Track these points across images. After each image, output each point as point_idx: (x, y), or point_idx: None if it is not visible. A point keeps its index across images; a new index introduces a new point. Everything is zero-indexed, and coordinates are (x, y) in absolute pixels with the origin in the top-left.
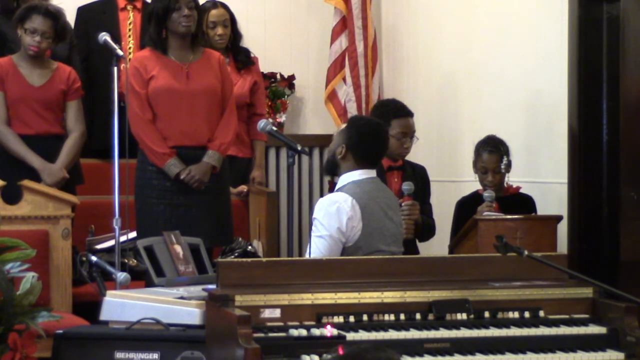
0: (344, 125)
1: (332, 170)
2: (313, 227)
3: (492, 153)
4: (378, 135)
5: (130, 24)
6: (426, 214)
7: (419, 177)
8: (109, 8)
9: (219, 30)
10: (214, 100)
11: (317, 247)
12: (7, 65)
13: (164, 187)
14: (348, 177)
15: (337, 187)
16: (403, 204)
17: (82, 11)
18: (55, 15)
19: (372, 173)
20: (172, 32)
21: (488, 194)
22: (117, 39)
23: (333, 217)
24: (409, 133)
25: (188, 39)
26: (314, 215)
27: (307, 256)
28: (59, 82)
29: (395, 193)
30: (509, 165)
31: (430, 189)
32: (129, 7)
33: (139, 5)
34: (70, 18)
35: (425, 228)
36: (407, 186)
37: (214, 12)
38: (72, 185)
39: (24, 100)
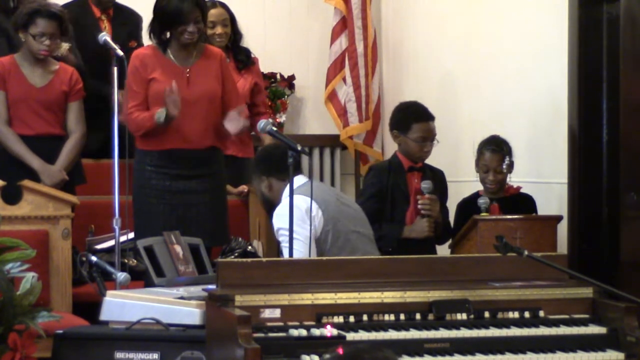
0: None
1: (271, 208)
2: (281, 239)
3: (494, 152)
4: (280, 147)
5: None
6: (443, 217)
7: (437, 180)
8: (88, 16)
9: (218, 30)
10: (213, 104)
11: (295, 249)
12: (9, 65)
13: (162, 187)
14: (286, 192)
15: (282, 203)
16: (420, 200)
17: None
18: (60, 16)
19: (303, 179)
20: (175, 38)
21: (483, 201)
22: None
23: (295, 217)
24: (429, 137)
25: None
26: (277, 226)
27: None
28: (61, 83)
29: (414, 192)
30: (511, 166)
31: (447, 192)
32: (103, 16)
33: (111, 13)
34: None
35: (445, 228)
36: (426, 185)
37: (213, 11)
38: (72, 185)
39: (25, 101)
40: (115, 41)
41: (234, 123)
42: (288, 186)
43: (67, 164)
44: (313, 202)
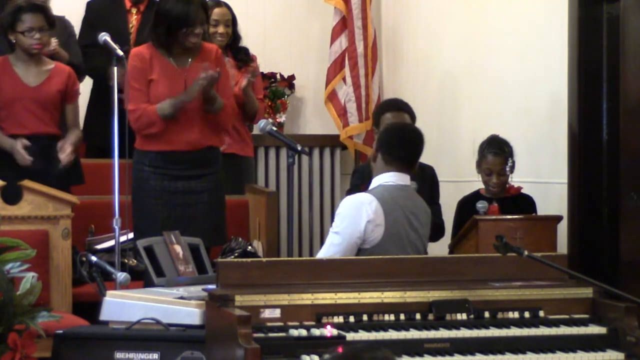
0: None
1: (369, 177)
2: (333, 223)
3: (497, 155)
4: (406, 135)
5: (132, 27)
6: (435, 214)
7: (427, 177)
8: (118, 8)
9: (220, 29)
10: None
11: (332, 242)
12: (2, 65)
13: (161, 187)
14: (379, 179)
15: (369, 188)
16: None
17: (91, 6)
18: (43, 7)
19: (405, 179)
20: (177, 41)
21: (481, 205)
22: (127, 39)
23: (353, 216)
24: None
25: None
26: (337, 211)
27: (321, 250)
28: (56, 82)
29: None
30: (513, 166)
31: (439, 189)
32: (133, 9)
33: (142, 7)
34: (78, 12)
35: (437, 225)
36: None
37: (217, 10)
38: (68, 185)
39: (19, 100)
40: (140, 34)
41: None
42: (383, 174)
43: (75, 146)
44: (383, 215)
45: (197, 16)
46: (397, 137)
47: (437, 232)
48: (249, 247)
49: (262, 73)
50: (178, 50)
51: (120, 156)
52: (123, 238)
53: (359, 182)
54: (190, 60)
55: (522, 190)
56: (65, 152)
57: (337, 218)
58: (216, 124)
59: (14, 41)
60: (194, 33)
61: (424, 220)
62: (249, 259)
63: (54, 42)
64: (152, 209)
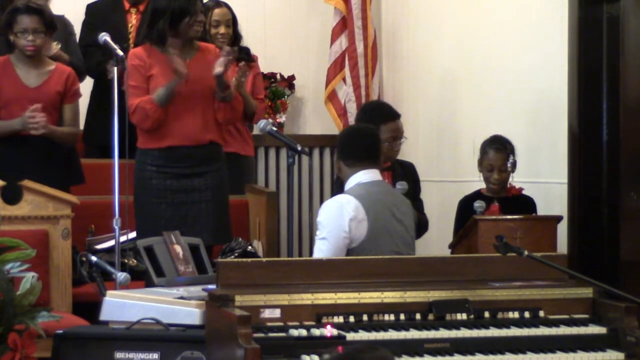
0: None
1: (341, 188)
2: (317, 230)
3: (498, 151)
4: (360, 133)
5: (131, 27)
6: (418, 210)
7: (408, 174)
8: (117, 9)
9: (222, 29)
10: (210, 100)
11: (320, 249)
12: (3, 65)
13: (163, 187)
14: (353, 180)
15: (345, 189)
16: None
17: (90, 8)
18: (40, 10)
19: (376, 174)
20: (179, 33)
21: (479, 205)
22: (126, 40)
23: (335, 218)
24: (398, 136)
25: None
26: (318, 218)
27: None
28: (56, 84)
29: None
30: (514, 165)
31: (420, 184)
32: (132, 10)
33: (141, 8)
34: (78, 12)
35: (421, 222)
36: (401, 186)
37: (217, 10)
38: (68, 185)
39: (18, 101)
40: (139, 34)
41: (220, 62)
42: (353, 176)
43: (57, 130)
44: (364, 211)
45: (197, 4)
46: (352, 138)
47: (421, 228)
48: (249, 247)
49: (262, 73)
50: (177, 45)
51: (121, 156)
52: (123, 238)
53: (341, 192)
54: (189, 55)
55: (523, 191)
56: (38, 123)
57: (319, 225)
58: (231, 111)
59: (13, 41)
60: (196, 21)
61: (406, 211)
62: (249, 259)
63: (54, 46)
64: (155, 209)
